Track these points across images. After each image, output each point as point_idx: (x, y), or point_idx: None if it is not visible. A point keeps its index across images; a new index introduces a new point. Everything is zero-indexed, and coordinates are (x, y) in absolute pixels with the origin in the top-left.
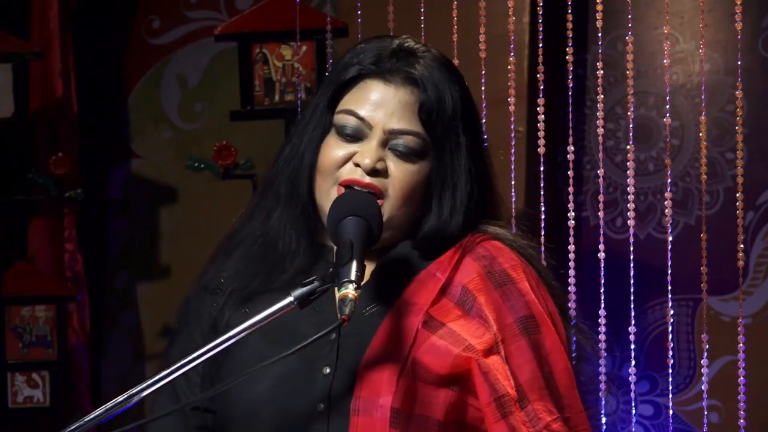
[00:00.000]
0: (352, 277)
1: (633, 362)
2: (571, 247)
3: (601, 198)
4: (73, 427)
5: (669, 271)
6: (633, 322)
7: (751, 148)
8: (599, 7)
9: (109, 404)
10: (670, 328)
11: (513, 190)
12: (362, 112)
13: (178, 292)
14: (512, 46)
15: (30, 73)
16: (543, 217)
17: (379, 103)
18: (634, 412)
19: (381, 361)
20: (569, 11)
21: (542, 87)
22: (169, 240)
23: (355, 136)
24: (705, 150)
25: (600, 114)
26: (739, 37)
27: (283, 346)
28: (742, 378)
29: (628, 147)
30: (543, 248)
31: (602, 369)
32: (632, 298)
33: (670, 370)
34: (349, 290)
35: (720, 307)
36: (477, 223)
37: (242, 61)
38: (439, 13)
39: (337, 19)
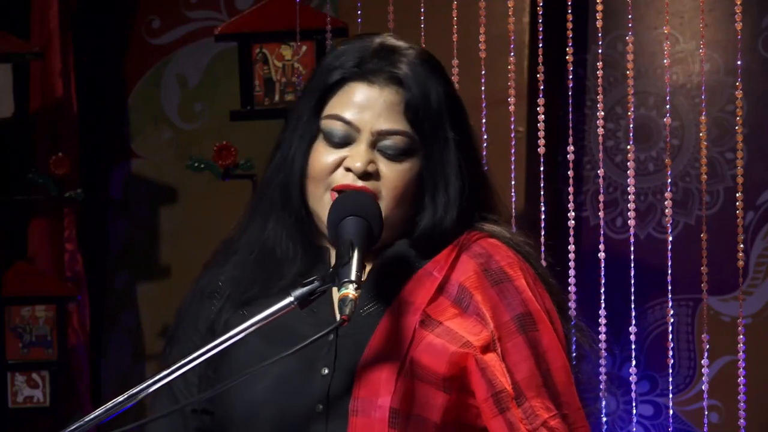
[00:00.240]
0: (352, 277)
1: (633, 362)
2: (571, 247)
3: (601, 198)
4: (73, 427)
5: (669, 271)
6: (633, 322)
7: (751, 148)
8: (599, 7)
9: (109, 404)
10: (670, 328)
11: (513, 190)
12: (348, 116)
13: (178, 292)
14: (512, 46)
15: (30, 73)
16: (543, 217)
17: (364, 106)
18: (634, 412)
19: (379, 361)
20: (569, 11)
21: (542, 87)
22: (169, 240)
23: (343, 141)
24: (705, 150)
25: (600, 114)
26: (739, 37)
27: (281, 346)
28: (742, 378)
29: (628, 147)
30: (543, 248)
31: (602, 369)
32: (632, 298)
33: (670, 370)
34: (350, 290)
35: (720, 307)
36: (472, 217)
37: (242, 61)
38: (439, 13)
39: (337, 19)
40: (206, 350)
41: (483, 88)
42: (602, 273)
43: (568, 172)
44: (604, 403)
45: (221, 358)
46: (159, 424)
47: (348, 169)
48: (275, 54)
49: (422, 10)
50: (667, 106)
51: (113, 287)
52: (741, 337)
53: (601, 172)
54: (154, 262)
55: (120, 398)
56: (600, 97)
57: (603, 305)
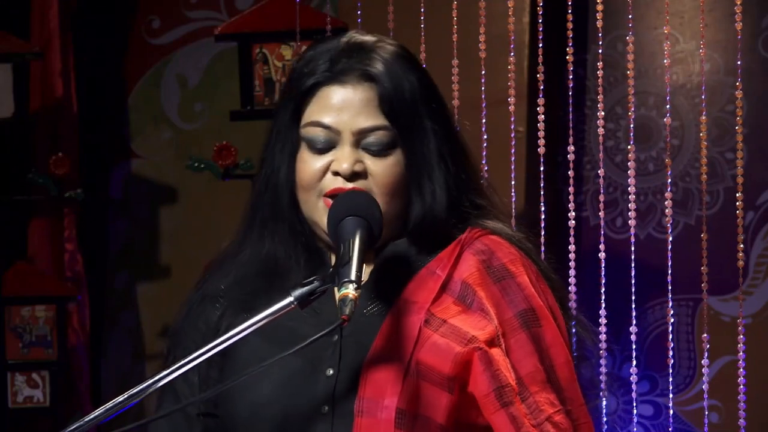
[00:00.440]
0: (352, 277)
1: (634, 362)
2: (572, 247)
3: (601, 198)
4: (73, 427)
5: (669, 271)
6: (634, 322)
7: (751, 148)
8: (599, 7)
9: (109, 404)
10: (670, 328)
11: (513, 190)
12: (327, 121)
13: (178, 292)
14: (512, 46)
15: (30, 73)
16: (543, 217)
17: (341, 107)
18: (634, 412)
19: (384, 361)
20: (569, 11)
21: (542, 87)
22: (169, 240)
23: (326, 146)
24: (705, 150)
25: (600, 114)
26: (739, 37)
27: (284, 347)
28: (742, 378)
29: (628, 147)
30: (543, 248)
31: (602, 369)
32: (633, 298)
33: (671, 370)
34: (349, 290)
35: (720, 307)
36: (464, 201)
37: (242, 61)
38: (439, 13)
39: (337, 19)
40: (206, 350)
41: (483, 88)
42: (602, 273)
43: (568, 172)
44: (604, 402)
45: (225, 360)
46: (162, 428)
47: (336, 173)
48: (275, 54)
49: (422, 10)
50: (667, 106)
51: (113, 287)
52: (741, 337)
53: (601, 172)
54: (154, 262)
55: (120, 398)
56: (600, 97)
57: (603, 305)
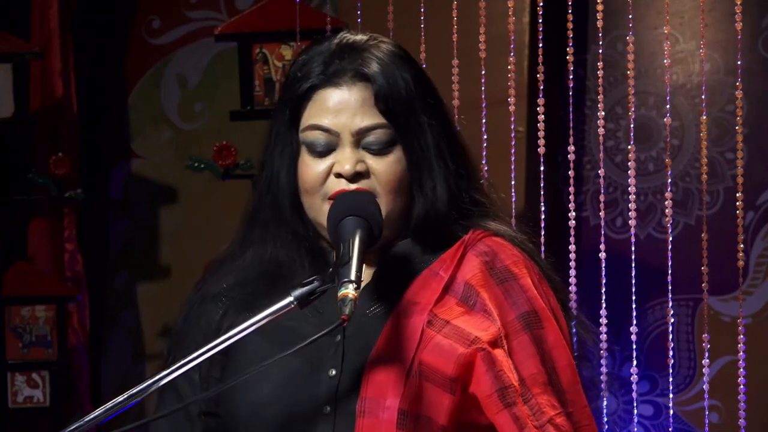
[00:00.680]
0: (352, 276)
1: (634, 362)
2: (572, 247)
3: (601, 198)
4: (73, 427)
5: (669, 271)
6: (634, 322)
7: (751, 148)
8: (599, 7)
9: (109, 404)
10: (670, 328)
11: (513, 190)
12: (325, 123)
13: (178, 292)
14: (512, 46)
15: (30, 73)
16: (543, 217)
17: (338, 109)
18: (634, 412)
19: (387, 361)
20: (569, 11)
21: (542, 87)
22: (169, 240)
23: (327, 149)
24: (705, 150)
25: (600, 114)
26: (739, 37)
27: (285, 347)
28: (742, 378)
29: (628, 147)
30: (543, 248)
31: (603, 369)
32: (633, 298)
33: (671, 370)
34: (349, 290)
35: (720, 307)
36: (464, 197)
37: (242, 61)
38: (439, 13)
39: (337, 19)
40: (207, 349)
41: (483, 88)
42: (602, 273)
43: (569, 172)
44: (604, 402)
45: (227, 359)
46: (164, 427)
47: (339, 175)
48: (275, 54)
49: (422, 10)
50: (667, 106)
51: (113, 287)
52: (741, 337)
53: (601, 172)
54: (154, 262)
55: (120, 398)
56: (600, 97)
57: (603, 305)
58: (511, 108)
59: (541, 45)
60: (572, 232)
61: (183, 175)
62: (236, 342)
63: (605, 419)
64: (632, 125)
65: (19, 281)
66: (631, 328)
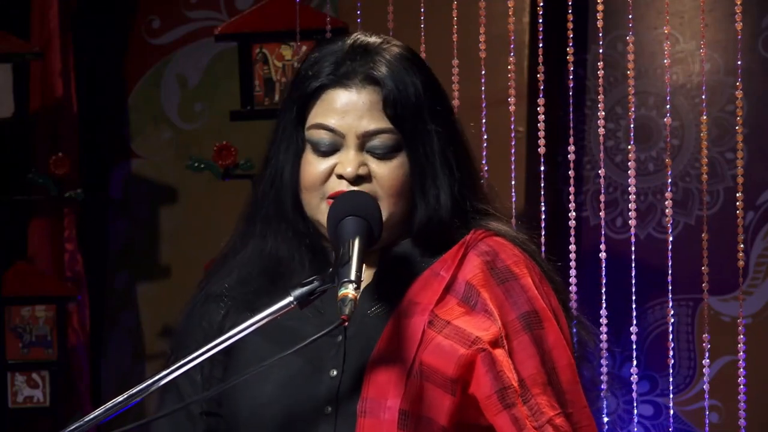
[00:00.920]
0: (352, 276)
1: (634, 362)
2: (572, 247)
3: (601, 198)
4: (73, 427)
5: (669, 271)
6: (634, 322)
7: (751, 148)
8: (599, 7)
9: (109, 404)
10: (670, 328)
11: (513, 190)
12: (332, 123)
13: (178, 292)
14: (512, 46)
15: (30, 73)
16: (543, 217)
17: (345, 110)
18: (634, 412)
19: (388, 362)
20: (569, 11)
21: (542, 87)
22: (169, 240)
23: (331, 149)
24: (705, 150)
25: (600, 114)
26: (739, 37)
27: (286, 347)
28: (742, 378)
29: (628, 147)
30: (543, 248)
31: (603, 369)
32: (633, 298)
33: (671, 370)
34: (349, 290)
35: (720, 307)
36: (467, 205)
37: (242, 61)
38: (439, 13)
39: (337, 19)
40: (208, 349)
41: (483, 88)
42: (603, 273)
43: (569, 172)
44: (604, 402)
45: (228, 359)
46: (165, 427)
47: (340, 176)
48: (275, 54)
49: (422, 10)
50: (667, 106)
51: (113, 287)
52: (741, 337)
53: (601, 172)
54: (154, 262)
55: (120, 398)
56: (600, 97)
57: (603, 305)
58: (511, 108)
59: (541, 45)
60: (572, 232)
61: (183, 175)
62: (238, 343)
63: (605, 419)
64: (632, 125)
65: (19, 281)
66: (631, 328)
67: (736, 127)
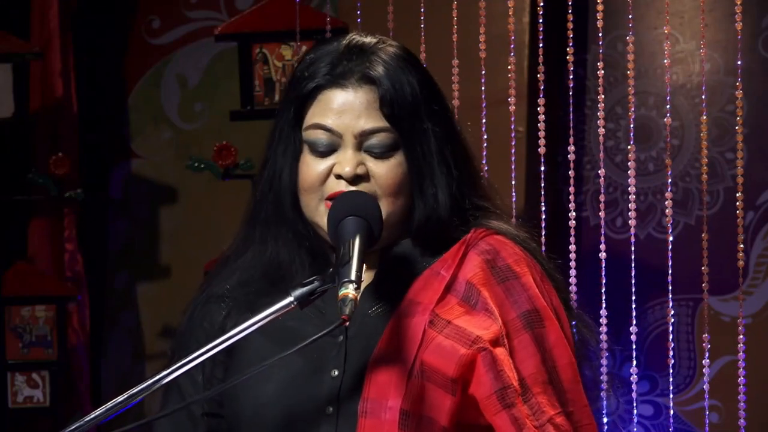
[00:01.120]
0: (352, 276)
1: (634, 362)
2: (572, 247)
3: (601, 198)
4: (73, 427)
5: (669, 271)
6: (634, 322)
7: (751, 148)
8: (599, 7)
9: (109, 404)
10: (670, 328)
11: (513, 190)
12: (329, 123)
13: (178, 292)
14: (512, 46)
15: (30, 73)
16: (543, 217)
17: (342, 110)
18: (634, 412)
19: (389, 362)
20: (569, 11)
21: (542, 87)
22: (169, 240)
23: (328, 149)
24: (705, 150)
25: (600, 114)
26: (739, 37)
27: (287, 348)
28: (742, 378)
29: (628, 147)
30: (543, 248)
31: (603, 369)
32: (633, 298)
33: (671, 370)
34: (349, 290)
35: (720, 307)
36: (466, 204)
37: (242, 61)
38: (439, 13)
39: (337, 19)
40: (208, 349)
41: (483, 88)
42: (602, 273)
43: (569, 172)
44: (604, 402)
45: (230, 360)
46: (166, 427)
47: (339, 176)
48: (275, 54)
49: (422, 10)
50: (667, 106)
51: (113, 287)
52: (741, 337)
53: (601, 172)
54: (154, 262)
55: (120, 398)
56: (600, 97)
57: (603, 305)
58: (511, 108)
59: (541, 45)
60: (572, 232)
61: (183, 175)
62: (239, 343)
63: (605, 419)
64: (632, 125)
65: (19, 281)
66: (630, 328)
67: (736, 127)
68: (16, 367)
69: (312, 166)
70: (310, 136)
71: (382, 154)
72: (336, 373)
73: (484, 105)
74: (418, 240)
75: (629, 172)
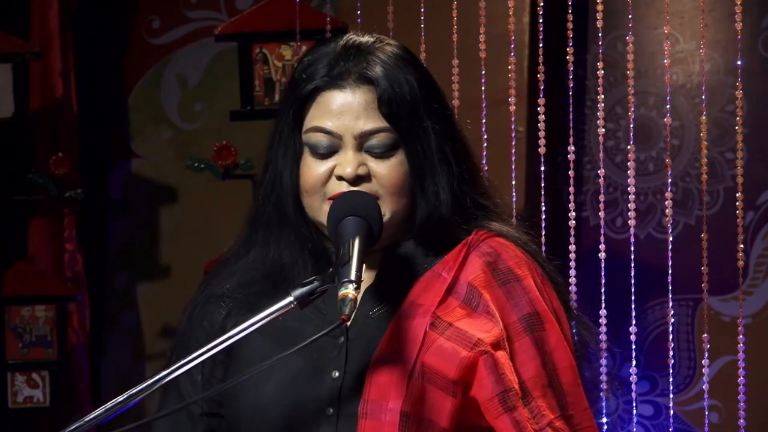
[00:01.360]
0: (352, 276)
1: (633, 362)
2: (572, 247)
3: (601, 198)
4: (73, 427)
5: (669, 271)
6: (633, 322)
7: (751, 148)
8: (599, 7)
9: (109, 404)
10: (670, 328)
11: (513, 190)
12: (328, 125)
13: (178, 292)
14: (512, 46)
15: (30, 73)
16: (543, 217)
17: (341, 112)
18: (634, 412)
19: (389, 363)
20: (569, 11)
21: (542, 87)
22: (169, 240)
23: (329, 151)
24: (705, 150)
25: (600, 114)
26: (739, 37)
27: (287, 349)
28: (742, 378)
29: (628, 147)
30: (543, 248)
31: (603, 369)
32: (633, 298)
33: (671, 370)
34: (349, 290)
35: (720, 307)
36: (467, 202)
37: (242, 61)
38: (439, 13)
39: (337, 19)
40: (208, 349)
41: (483, 88)
42: (602, 273)
43: (569, 172)
44: (604, 403)
45: (230, 360)
46: (165, 427)
47: (340, 178)
48: (275, 54)
49: (422, 10)
50: (667, 106)
51: (113, 287)
52: (741, 337)
53: (601, 172)
54: (154, 262)
55: (120, 398)
56: (600, 97)
57: (603, 305)
58: (511, 108)
59: (541, 45)
60: (572, 232)
61: (183, 175)
62: (239, 343)
63: (605, 419)
64: (632, 125)
65: (19, 281)
66: (630, 328)
67: (736, 127)
68: (16, 367)
69: (313, 168)
70: (310, 139)
71: (382, 153)
72: (336, 374)
73: (484, 105)
74: (420, 240)
75: (629, 172)
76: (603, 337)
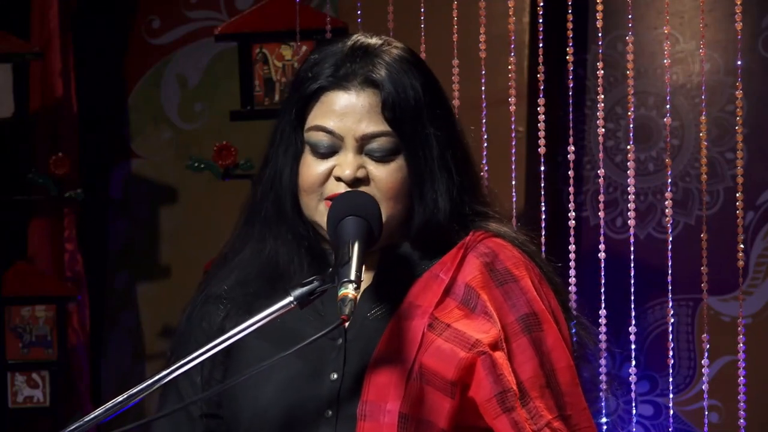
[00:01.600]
0: (352, 276)
1: (633, 362)
2: (572, 247)
3: (601, 198)
4: (73, 427)
5: (669, 271)
6: (633, 322)
7: (751, 148)
8: (599, 7)
9: (109, 404)
10: (670, 328)
11: (513, 190)
12: (330, 126)
13: (178, 292)
14: (512, 46)
15: (30, 73)
16: (543, 217)
17: (344, 113)
18: (634, 412)
19: (388, 365)
20: (569, 11)
21: (542, 87)
22: (169, 240)
23: (329, 151)
24: (705, 150)
25: (600, 114)
26: (739, 37)
27: (287, 349)
28: (742, 378)
29: (628, 147)
30: (543, 248)
31: (603, 369)
32: (632, 298)
33: (671, 370)
34: (349, 290)
35: (720, 307)
36: (465, 208)
37: (242, 61)
38: (439, 13)
39: (337, 19)
40: (207, 349)
41: (483, 88)
42: (602, 273)
43: (569, 172)
44: (604, 403)
45: (229, 361)
46: (165, 428)
47: (338, 179)
48: (275, 54)
49: (422, 10)
50: (667, 106)
51: (113, 287)
52: (741, 337)
53: (601, 172)
54: (154, 262)
55: (120, 398)
56: (600, 97)
57: (603, 305)
58: (511, 108)
59: (541, 45)
60: (572, 232)
61: (183, 175)
62: (238, 344)
63: (605, 419)
64: (632, 125)
65: (19, 281)
66: (630, 328)
67: (736, 127)
68: (16, 367)
69: (312, 167)
70: (311, 138)
71: (382, 158)
72: (335, 376)
73: (484, 105)
74: (416, 243)
75: (629, 172)
76: (603, 337)
